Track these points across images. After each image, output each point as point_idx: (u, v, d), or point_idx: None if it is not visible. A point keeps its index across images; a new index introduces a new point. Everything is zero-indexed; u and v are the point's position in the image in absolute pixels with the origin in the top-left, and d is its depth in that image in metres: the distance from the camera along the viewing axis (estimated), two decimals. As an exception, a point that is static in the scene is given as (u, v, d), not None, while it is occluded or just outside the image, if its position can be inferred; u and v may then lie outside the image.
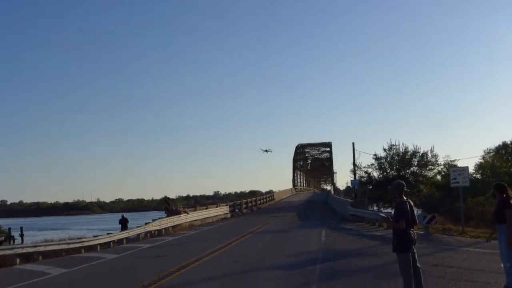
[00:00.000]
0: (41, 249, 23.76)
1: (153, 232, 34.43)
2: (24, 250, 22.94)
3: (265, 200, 73.54)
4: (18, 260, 21.68)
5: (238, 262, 17.27)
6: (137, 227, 34.26)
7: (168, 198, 44.01)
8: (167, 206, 41.45)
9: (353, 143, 59.25)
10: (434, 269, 13.97)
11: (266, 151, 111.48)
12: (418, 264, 9.80)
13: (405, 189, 9.96)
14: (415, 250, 9.80)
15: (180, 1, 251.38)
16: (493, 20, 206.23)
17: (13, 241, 55.84)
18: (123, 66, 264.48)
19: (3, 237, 60.70)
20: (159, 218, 37.75)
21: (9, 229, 63.10)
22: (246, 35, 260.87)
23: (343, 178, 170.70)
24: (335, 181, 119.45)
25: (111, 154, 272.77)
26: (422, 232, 24.99)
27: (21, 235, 58.62)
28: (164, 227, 36.11)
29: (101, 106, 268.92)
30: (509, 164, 54.05)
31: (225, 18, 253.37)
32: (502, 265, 10.47)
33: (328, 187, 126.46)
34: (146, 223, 34.99)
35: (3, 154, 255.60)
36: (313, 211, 55.70)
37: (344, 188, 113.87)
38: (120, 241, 30.17)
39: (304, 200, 79.38)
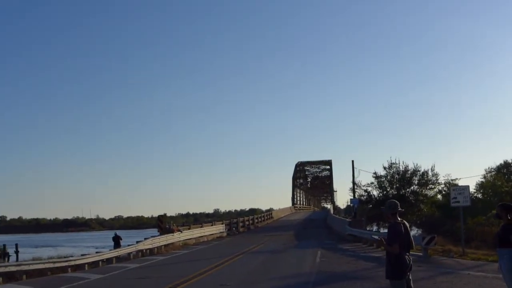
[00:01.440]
0: (25, 268, 22.88)
1: (144, 251, 33.48)
2: (7, 269, 22.07)
3: (263, 218, 72.42)
4: (0, 279, 20.73)
5: (225, 286, 16.31)
6: (128, 245, 33.36)
7: (162, 216, 43.06)
8: (160, 224, 40.55)
9: (353, 161, 58.42)
10: (432, 295, 13.02)
11: None
12: (413, 293, 8.87)
13: (400, 209, 9.02)
14: (410, 277, 8.85)
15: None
16: (497, 36, 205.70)
17: (8, 258, 55.09)
18: (122, 81, 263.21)
19: (-2, 254, 60.05)
20: (152, 236, 36.78)
21: (4, 245, 62.38)
22: (243, 52, 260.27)
23: (343, 197, 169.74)
24: (335, 200, 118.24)
25: (112, 170, 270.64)
26: (420, 254, 24.08)
27: (16, 252, 57.87)
28: (156, 245, 35.14)
29: (102, 121, 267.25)
30: (511, 183, 53.09)
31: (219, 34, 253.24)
32: None
33: (328, 206, 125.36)
34: (137, 242, 34.02)
35: (4, 169, 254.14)
36: (311, 230, 54.68)
37: (345, 207, 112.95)
38: (109, 260, 29.25)
39: (303, 219, 78.30)
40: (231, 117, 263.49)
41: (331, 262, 23.62)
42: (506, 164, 55.73)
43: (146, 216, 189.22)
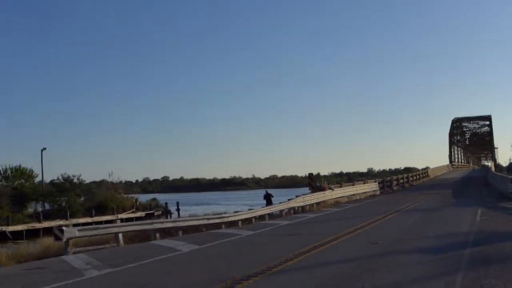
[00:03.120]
0: (181, 224, 23.78)
1: (296, 208, 33.71)
2: (164, 225, 22.99)
3: (418, 177, 69.96)
4: (157, 235, 21.60)
5: (377, 244, 15.62)
6: (280, 203, 33.68)
7: (312, 174, 42.96)
8: (311, 182, 40.52)
9: (515, 115, 54.41)
10: None
11: None
12: None
13: None
14: None
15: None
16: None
17: (170, 215, 58.61)
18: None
19: (161, 211, 64.17)
20: (303, 194, 36.83)
21: (166, 204, 66.52)
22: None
23: (505, 154, 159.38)
24: (496, 157, 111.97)
25: (266, 132, 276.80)
26: None
27: (178, 210, 61.42)
28: (307, 203, 35.24)
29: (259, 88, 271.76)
30: None
31: None
32: None
33: (489, 163, 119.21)
34: (289, 199, 34.28)
35: (167, 133, 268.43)
36: (470, 188, 51.91)
37: (507, 165, 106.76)
38: (262, 217, 29.84)
39: (461, 177, 74.59)
40: (385, 77, 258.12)
41: (492, 221, 21.94)
42: None
43: (300, 175, 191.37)
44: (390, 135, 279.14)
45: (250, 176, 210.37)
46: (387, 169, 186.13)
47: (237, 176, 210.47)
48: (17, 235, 42.21)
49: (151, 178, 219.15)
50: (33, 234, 41.74)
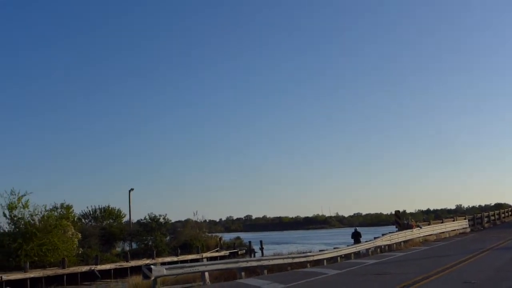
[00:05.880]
0: (265, 263, 23.65)
1: (382, 247, 33.00)
2: (249, 264, 22.95)
3: (510, 213, 67.18)
4: (243, 274, 21.60)
5: (469, 283, 15.01)
6: (366, 241, 33.07)
7: (399, 211, 42.05)
8: (398, 219, 39.68)
9: None
10: None
11: None
12: None
13: None
14: None
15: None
16: None
17: (254, 254, 58.46)
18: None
19: (244, 250, 64.13)
20: (390, 232, 36.08)
21: (250, 242, 66.34)
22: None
23: None
24: None
25: (350, 170, 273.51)
26: None
27: (261, 248, 61.16)
28: (394, 242, 34.41)
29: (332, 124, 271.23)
30: None
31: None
32: None
33: None
34: (375, 238, 33.66)
35: (250, 172, 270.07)
36: None
37: None
38: (347, 256, 29.34)
39: (559, 213, 71.04)
40: (474, 111, 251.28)
41: None
42: None
43: (384, 213, 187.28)
44: (480, 170, 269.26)
45: (333, 214, 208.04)
46: (477, 206, 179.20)
47: (320, 214, 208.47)
48: (105, 274, 43.14)
49: (234, 217, 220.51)
50: (121, 273, 42.62)
